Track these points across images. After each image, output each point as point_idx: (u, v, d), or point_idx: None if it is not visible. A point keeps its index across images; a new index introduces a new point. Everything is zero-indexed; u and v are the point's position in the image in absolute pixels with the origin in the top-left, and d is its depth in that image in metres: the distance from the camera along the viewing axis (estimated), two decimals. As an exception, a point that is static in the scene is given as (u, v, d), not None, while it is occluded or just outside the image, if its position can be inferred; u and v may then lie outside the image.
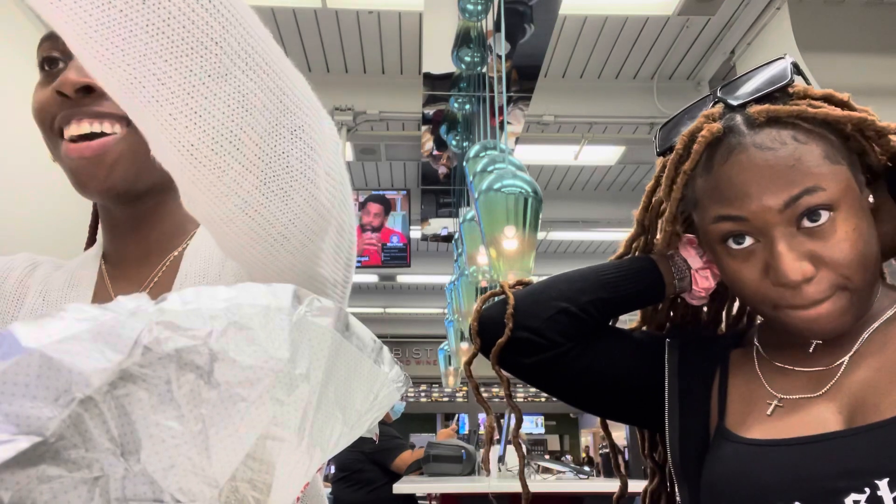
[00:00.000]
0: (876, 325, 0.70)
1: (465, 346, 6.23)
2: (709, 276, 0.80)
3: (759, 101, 0.71)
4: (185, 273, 0.69)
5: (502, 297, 0.82)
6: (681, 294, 0.84)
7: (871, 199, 0.72)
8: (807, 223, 0.66)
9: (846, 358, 0.69)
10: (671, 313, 0.90)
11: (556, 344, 0.78)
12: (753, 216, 0.67)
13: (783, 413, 0.70)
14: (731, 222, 0.69)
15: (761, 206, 0.66)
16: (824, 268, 0.66)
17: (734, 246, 0.70)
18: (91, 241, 0.84)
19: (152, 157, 0.58)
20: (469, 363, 0.87)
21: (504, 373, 0.83)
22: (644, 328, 0.91)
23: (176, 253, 0.72)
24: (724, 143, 0.70)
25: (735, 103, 0.72)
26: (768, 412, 0.71)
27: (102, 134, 0.64)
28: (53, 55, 0.66)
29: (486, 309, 0.83)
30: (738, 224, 0.69)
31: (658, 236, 0.82)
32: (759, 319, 0.86)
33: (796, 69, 0.73)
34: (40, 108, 0.66)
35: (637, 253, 0.87)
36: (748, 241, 0.69)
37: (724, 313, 0.89)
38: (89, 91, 0.63)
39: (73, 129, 0.64)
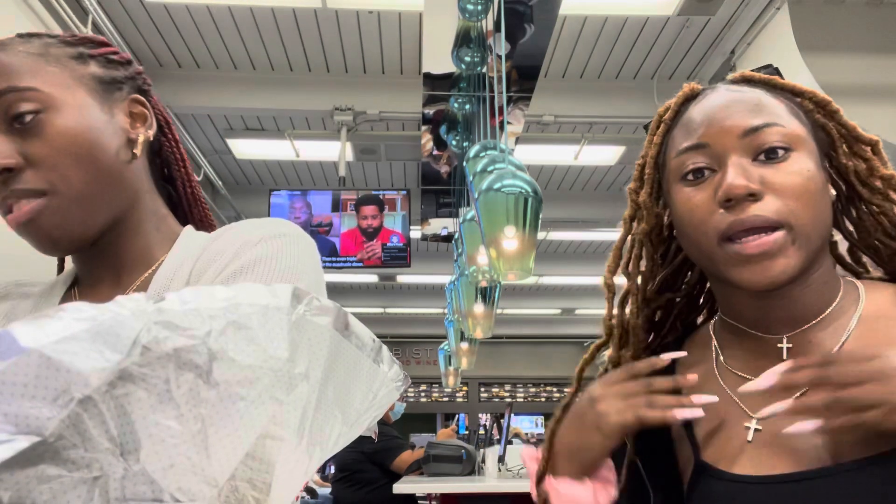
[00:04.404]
0: (849, 329, 0.68)
1: (465, 345, 6.23)
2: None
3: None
4: (155, 291, 0.71)
5: None
6: None
7: (832, 191, 0.73)
8: (763, 157, 0.68)
9: None
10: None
11: None
12: (713, 140, 0.69)
13: (766, 439, 0.67)
14: (692, 152, 0.70)
15: (722, 129, 0.69)
16: (772, 192, 0.66)
17: (691, 178, 0.71)
18: (61, 266, 0.86)
19: (91, 206, 0.68)
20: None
21: None
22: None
23: (146, 274, 0.74)
24: (701, 94, 0.76)
25: None
26: (749, 438, 0.68)
27: (23, 192, 0.67)
28: None
29: None
30: (698, 153, 0.70)
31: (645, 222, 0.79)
32: (712, 324, 0.81)
33: (779, 74, 0.77)
34: None
35: (637, 228, 0.81)
36: (706, 175, 0.70)
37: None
38: (11, 171, 0.66)
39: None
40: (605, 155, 5.35)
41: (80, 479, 0.30)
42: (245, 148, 5.33)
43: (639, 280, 0.80)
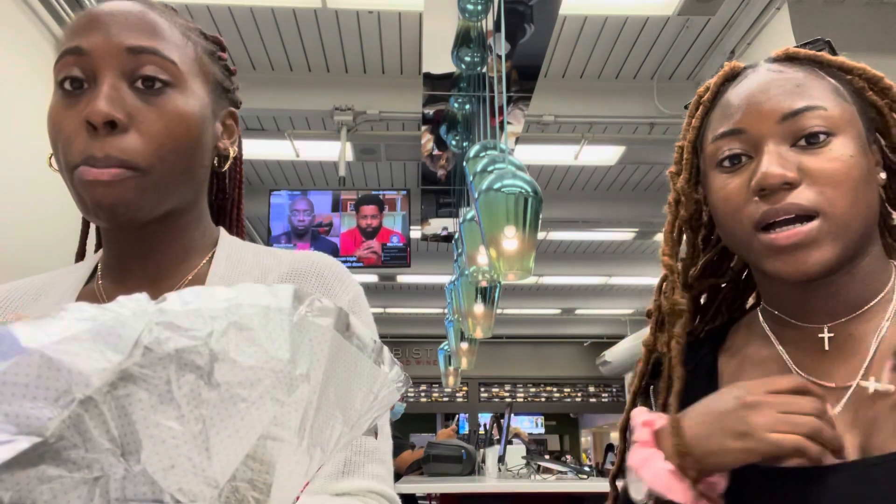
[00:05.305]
0: (886, 321, 0.66)
1: (465, 345, 6.23)
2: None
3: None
4: None
5: None
6: None
7: (882, 175, 0.69)
8: (803, 143, 0.65)
9: (863, 367, 0.64)
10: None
11: None
12: (750, 126, 0.66)
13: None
14: (729, 137, 0.68)
15: (759, 114, 0.66)
16: (809, 180, 0.63)
17: (727, 165, 0.68)
18: (81, 253, 0.81)
19: (166, 192, 0.66)
20: None
21: None
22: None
23: (190, 276, 0.72)
24: (741, 74, 0.72)
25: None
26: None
27: (118, 161, 0.62)
28: (76, 74, 0.64)
29: None
30: (734, 139, 0.68)
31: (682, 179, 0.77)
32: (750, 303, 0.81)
33: (831, 48, 0.74)
34: (67, 137, 0.63)
35: (680, 219, 0.78)
36: (742, 161, 0.68)
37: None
38: (115, 126, 0.62)
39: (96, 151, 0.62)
40: (605, 155, 5.35)
41: (81, 480, 0.30)
42: (245, 148, 5.32)
43: (679, 266, 0.77)
